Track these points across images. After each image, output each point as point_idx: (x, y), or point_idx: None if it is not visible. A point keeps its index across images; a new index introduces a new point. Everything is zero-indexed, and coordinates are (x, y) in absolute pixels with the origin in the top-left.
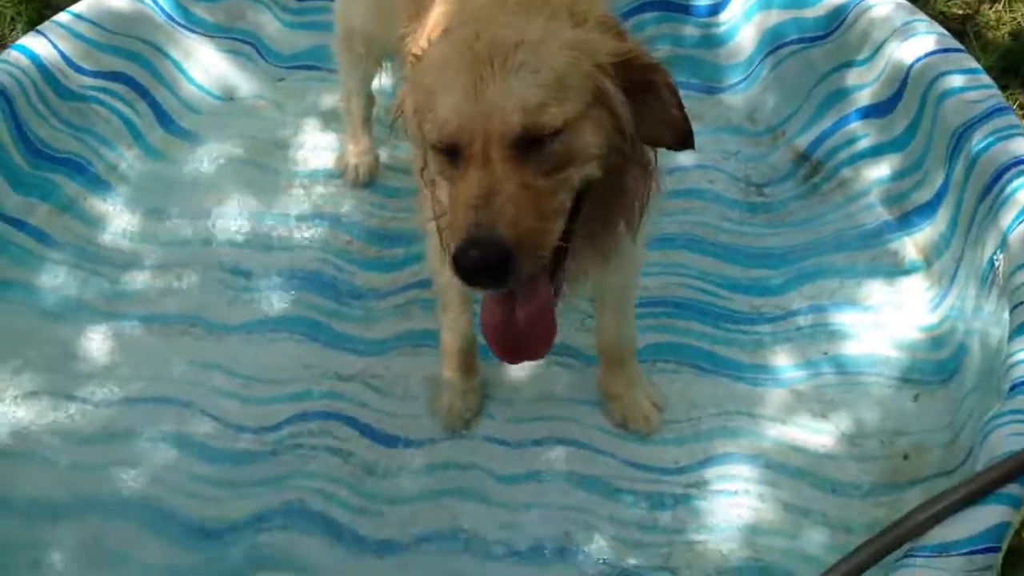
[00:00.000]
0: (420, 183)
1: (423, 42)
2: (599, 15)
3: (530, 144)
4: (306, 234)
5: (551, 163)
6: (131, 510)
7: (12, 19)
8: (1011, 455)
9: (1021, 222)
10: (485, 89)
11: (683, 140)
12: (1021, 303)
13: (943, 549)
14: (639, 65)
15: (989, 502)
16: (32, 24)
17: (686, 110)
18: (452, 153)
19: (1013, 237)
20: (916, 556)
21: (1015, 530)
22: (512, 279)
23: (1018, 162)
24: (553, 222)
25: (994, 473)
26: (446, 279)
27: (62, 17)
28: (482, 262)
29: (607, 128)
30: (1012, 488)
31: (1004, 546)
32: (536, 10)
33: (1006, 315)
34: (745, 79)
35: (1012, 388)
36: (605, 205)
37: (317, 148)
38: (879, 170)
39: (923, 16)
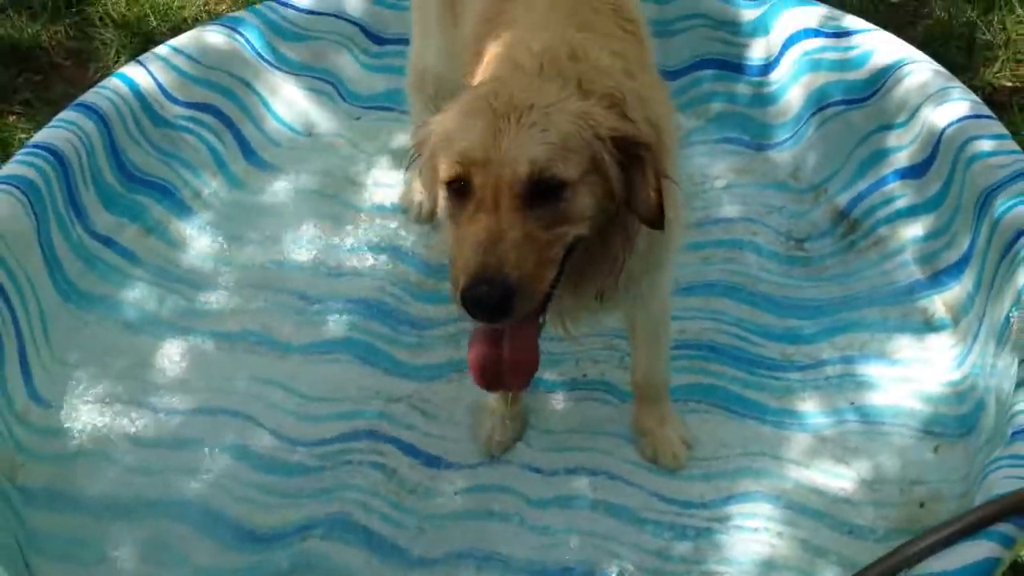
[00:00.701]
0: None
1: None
2: (606, 90)
3: (534, 197)
4: (370, 264)
5: (551, 218)
6: (189, 513)
7: (117, 51)
8: (1004, 495)
9: None
10: (501, 139)
11: (651, 220)
12: None
13: None
14: (633, 142)
15: (979, 538)
16: (136, 56)
17: (665, 196)
18: (462, 192)
19: None
20: None
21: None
22: (512, 316)
23: None
24: (548, 270)
25: (986, 511)
26: None
27: (161, 50)
28: (488, 299)
29: (599, 194)
30: (1004, 527)
31: None
32: (551, 77)
33: (1014, 370)
34: (791, 137)
35: (1013, 435)
36: (589, 260)
37: (386, 185)
38: (913, 230)
39: (958, 83)
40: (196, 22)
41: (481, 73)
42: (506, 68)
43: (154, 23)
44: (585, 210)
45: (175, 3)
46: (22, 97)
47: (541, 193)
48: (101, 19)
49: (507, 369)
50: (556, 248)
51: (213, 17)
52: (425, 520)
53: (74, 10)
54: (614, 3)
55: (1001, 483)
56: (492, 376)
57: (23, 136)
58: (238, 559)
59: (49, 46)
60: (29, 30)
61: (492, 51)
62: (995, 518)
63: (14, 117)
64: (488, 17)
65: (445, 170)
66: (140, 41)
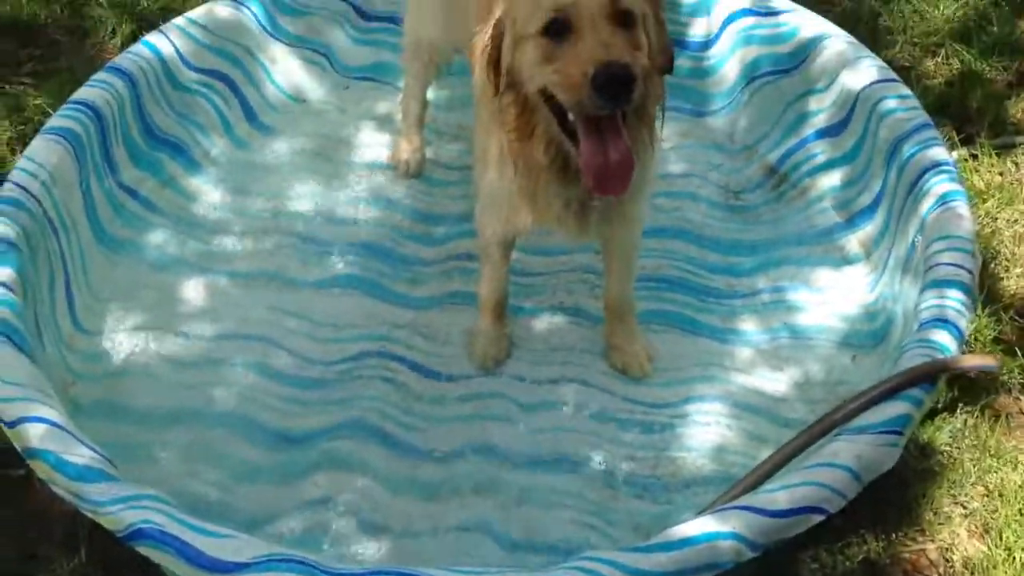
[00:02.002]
0: (486, 118)
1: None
2: None
3: (619, 24)
4: (364, 213)
5: (631, 41)
6: (225, 419)
7: (113, 28)
8: (916, 367)
9: (936, 209)
10: None
11: (667, 64)
12: (932, 266)
13: (861, 430)
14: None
15: (898, 400)
16: (131, 34)
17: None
18: (558, 33)
19: (929, 220)
20: (842, 435)
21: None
22: (632, 99)
23: (936, 164)
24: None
25: (902, 379)
26: (491, 232)
27: (179, 20)
28: (620, 76)
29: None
30: (914, 392)
31: (907, 431)
32: None
33: (919, 286)
34: (728, 104)
35: (919, 327)
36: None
37: (374, 145)
38: (832, 180)
39: (869, 52)
40: (185, 2)
41: None
42: None
43: (145, 3)
44: (645, 44)
45: None
46: (29, 68)
47: (622, 21)
48: None
49: (614, 169)
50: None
51: None
52: (431, 422)
53: None
54: None
55: (911, 360)
56: (604, 178)
57: (35, 102)
58: (274, 456)
59: (47, 23)
60: (28, 8)
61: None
62: (907, 384)
63: (23, 86)
64: None
65: (538, 22)
66: (133, 19)
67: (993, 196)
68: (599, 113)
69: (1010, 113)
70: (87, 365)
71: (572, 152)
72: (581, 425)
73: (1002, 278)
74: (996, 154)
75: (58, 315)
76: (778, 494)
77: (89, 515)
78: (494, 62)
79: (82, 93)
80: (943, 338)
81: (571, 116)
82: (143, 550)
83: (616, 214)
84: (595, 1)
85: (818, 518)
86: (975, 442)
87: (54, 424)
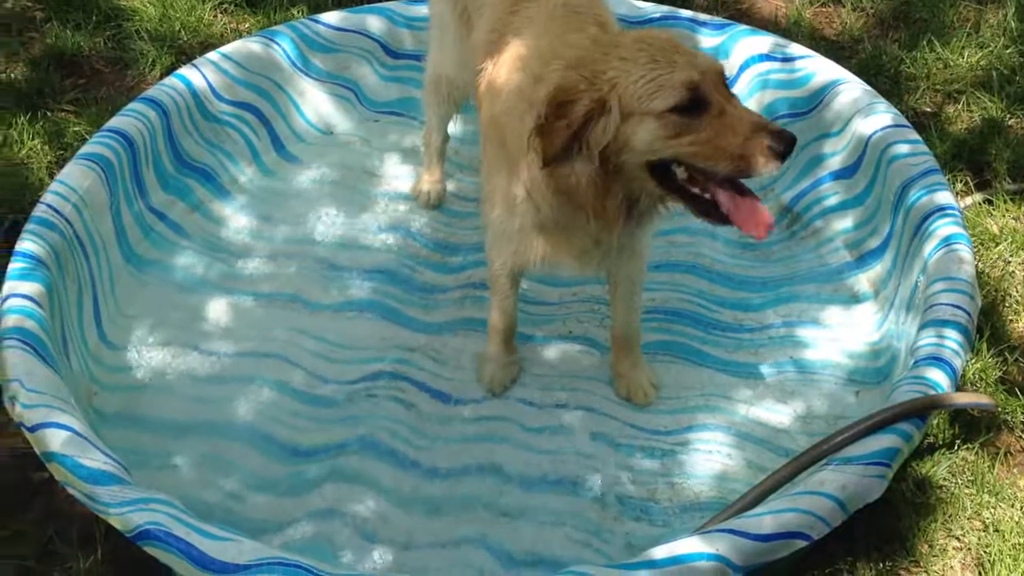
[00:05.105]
0: (492, 157)
1: (498, 72)
2: None
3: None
4: (385, 241)
5: None
6: (240, 432)
7: (153, 61)
8: (906, 401)
9: (938, 251)
10: (696, 59)
11: None
12: (931, 306)
13: (849, 461)
14: None
15: (886, 432)
16: (171, 67)
17: None
18: (693, 107)
19: (931, 262)
20: (830, 465)
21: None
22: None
23: (939, 208)
24: None
25: (892, 412)
26: (499, 264)
27: (212, 55)
28: (792, 140)
29: None
30: (904, 426)
31: (895, 464)
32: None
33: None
34: None
35: (915, 364)
36: None
37: (397, 176)
38: (843, 221)
39: (882, 99)
40: (222, 37)
41: (499, 66)
42: (517, 68)
43: (185, 37)
44: None
45: (204, 20)
46: (70, 97)
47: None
48: (137, 32)
49: (766, 214)
50: None
51: (238, 33)
52: (439, 442)
53: (112, 24)
54: (597, 20)
55: (903, 395)
56: (761, 224)
57: (75, 129)
58: (283, 469)
59: (90, 54)
60: (72, 40)
61: (508, 50)
62: (898, 418)
63: (64, 113)
64: (495, 27)
65: (668, 99)
66: (172, 52)
67: (1007, 240)
68: (761, 175)
69: None
70: (111, 376)
71: (671, 204)
72: (584, 448)
73: (1011, 320)
74: (1012, 200)
75: (85, 328)
76: (764, 518)
77: (101, 516)
78: (569, 139)
79: (115, 122)
80: (936, 376)
81: (680, 177)
82: (150, 550)
83: (626, 248)
84: (714, 72)
85: (801, 543)
86: (973, 478)
87: (72, 430)
